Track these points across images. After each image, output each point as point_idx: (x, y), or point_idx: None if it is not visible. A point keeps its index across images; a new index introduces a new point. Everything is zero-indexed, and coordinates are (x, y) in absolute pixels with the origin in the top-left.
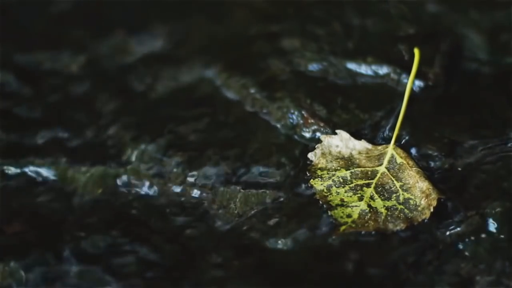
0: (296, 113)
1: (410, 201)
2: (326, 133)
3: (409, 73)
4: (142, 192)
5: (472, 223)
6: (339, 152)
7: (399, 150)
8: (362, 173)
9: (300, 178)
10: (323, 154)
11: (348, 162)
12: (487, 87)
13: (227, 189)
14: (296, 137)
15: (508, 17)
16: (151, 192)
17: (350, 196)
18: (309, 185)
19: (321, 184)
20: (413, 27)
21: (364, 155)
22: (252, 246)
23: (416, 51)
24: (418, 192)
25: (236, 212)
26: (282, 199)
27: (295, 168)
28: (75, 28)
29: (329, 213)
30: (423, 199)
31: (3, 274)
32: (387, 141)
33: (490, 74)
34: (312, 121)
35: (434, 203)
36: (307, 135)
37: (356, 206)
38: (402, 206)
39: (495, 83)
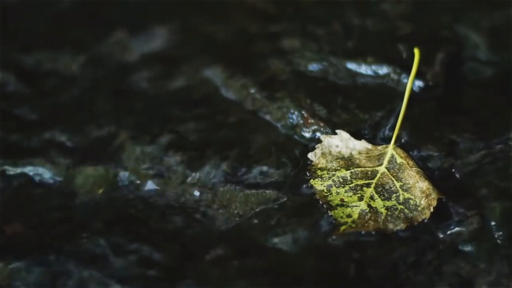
0: (296, 113)
1: (410, 201)
2: (326, 133)
3: (409, 73)
4: (142, 192)
5: (472, 223)
6: (339, 152)
7: (399, 150)
8: (362, 173)
9: (300, 178)
10: (323, 154)
11: (348, 162)
12: (487, 87)
13: (227, 189)
14: (296, 137)
15: (508, 17)
16: (151, 192)
17: (350, 196)
18: (309, 185)
19: (321, 184)
20: (413, 27)
21: (364, 155)
22: (252, 246)
23: (416, 51)
24: (418, 192)
25: (236, 212)
26: (282, 199)
27: (295, 168)
28: (75, 28)
29: (329, 213)
30: (423, 199)
31: (3, 274)
32: (387, 141)
33: (490, 74)
34: (312, 121)
35: (434, 203)
36: (307, 135)
37: (356, 206)
38: (402, 206)
39: (495, 83)
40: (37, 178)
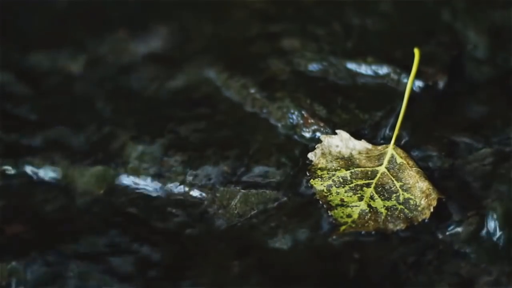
0: (296, 113)
1: (410, 201)
2: (326, 133)
3: (409, 73)
4: (142, 192)
5: (472, 223)
6: (339, 152)
7: (399, 150)
8: (362, 173)
9: (300, 178)
10: (323, 154)
11: (348, 162)
12: (487, 87)
13: (227, 189)
14: (296, 137)
15: (508, 17)
16: (151, 192)
17: (350, 196)
18: (309, 185)
19: (321, 184)
20: (413, 27)
21: (364, 155)
22: (252, 246)
23: (416, 51)
24: (418, 192)
25: (236, 212)
26: (282, 199)
27: (295, 168)
28: (75, 28)
29: (329, 213)
30: (423, 199)
31: (3, 274)
32: (387, 141)
33: (490, 74)
34: (312, 121)
35: (434, 203)
36: (307, 135)
37: (356, 206)
38: (402, 206)
39: (495, 83)
40: (37, 178)
